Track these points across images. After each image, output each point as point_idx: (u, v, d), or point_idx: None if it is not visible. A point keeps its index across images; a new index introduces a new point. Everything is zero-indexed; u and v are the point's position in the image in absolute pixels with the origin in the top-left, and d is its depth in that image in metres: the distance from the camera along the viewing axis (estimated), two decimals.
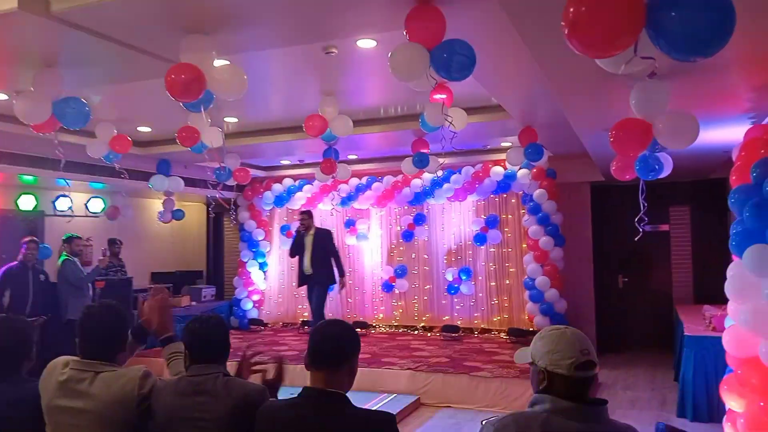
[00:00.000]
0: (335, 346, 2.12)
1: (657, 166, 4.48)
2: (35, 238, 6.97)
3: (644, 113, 3.58)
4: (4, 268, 6.48)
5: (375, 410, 2.10)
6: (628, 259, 9.27)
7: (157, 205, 9.71)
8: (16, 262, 6.56)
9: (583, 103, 4.66)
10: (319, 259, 7.57)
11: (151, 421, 2.32)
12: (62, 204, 8.29)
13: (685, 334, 6.09)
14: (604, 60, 2.26)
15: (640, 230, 5.11)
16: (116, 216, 8.99)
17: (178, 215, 9.27)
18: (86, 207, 8.76)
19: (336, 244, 8.14)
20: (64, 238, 7.14)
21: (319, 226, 7.97)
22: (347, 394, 2.10)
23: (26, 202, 7.86)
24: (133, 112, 6.41)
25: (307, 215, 7.87)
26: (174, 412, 2.23)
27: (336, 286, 7.78)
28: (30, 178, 7.69)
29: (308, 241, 7.66)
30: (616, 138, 3.58)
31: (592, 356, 1.85)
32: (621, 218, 9.17)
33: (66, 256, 6.97)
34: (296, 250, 7.79)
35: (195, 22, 3.35)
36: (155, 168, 8.31)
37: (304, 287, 7.98)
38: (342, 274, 7.77)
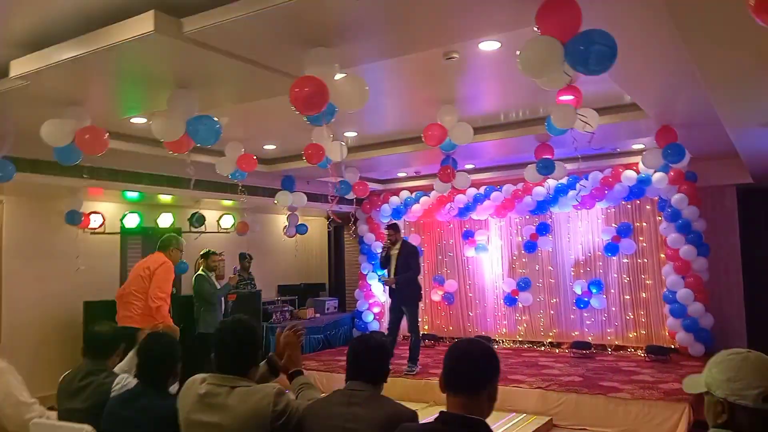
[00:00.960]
0: (475, 369, 1.96)
1: None
2: None
3: None
4: None
5: None
6: None
7: (282, 220, 10.04)
8: None
9: (737, 96, 4.16)
10: (400, 276, 7.35)
11: None
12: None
13: None
14: None
15: None
16: (245, 231, 9.39)
17: (301, 230, 9.52)
18: (218, 223, 9.23)
19: (420, 263, 7.77)
20: (201, 253, 7.49)
21: (407, 240, 7.71)
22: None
23: (165, 220, 8.40)
24: (259, 131, 6.63)
25: (393, 229, 7.67)
26: (325, 420, 2.27)
27: (387, 278, 7.42)
28: (167, 197, 8.23)
29: (394, 254, 7.51)
30: None
31: None
32: None
33: (201, 271, 7.30)
34: (384, 263, 7.65)
35: (317, 35, 3.35)
36: (279, 184, 8.57)
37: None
38: (400, 281, 7.30)
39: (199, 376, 2.49)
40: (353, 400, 2.28)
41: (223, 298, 7.55)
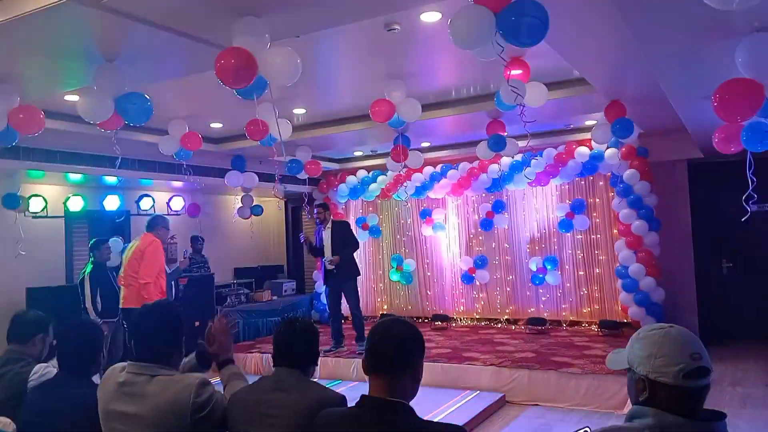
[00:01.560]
0: (397, 350, 1.88)
1: None
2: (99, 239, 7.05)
3: (754, 72, 3.08)
4: (88, 272, 6.61)
5: (444, 423, 1.84)
6: (733, 242, 8.44)
7: (236, 201, 9.84)
8: (92, 266, 6.66)
9: (679, 68, 4.13)
10: (341, 253, 7.30)
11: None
12: (146, 203, 8.53)
13: None
14: None
15: (748, 210, 4.56)
16: (197, 213, 9.16)
17: (256, 211, 9.35)
18: (168, 205, 8.99)
19: (355, 235, 7.80)
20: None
21: (335, 218, 7.68)
22: (412, 403, 1.87)
23: (111, 203, 8.12)
24: (205, 108, 6.41)
25: (323, 208, 7.60)
26: (250, 407, 2.17)
27: (330, 257, 7.26)
28: (113, 179, 7.94)
29: (326, 235, 7.42)
30: (722, 102, 3.10)
31: (705, 361, 1.51)
32: (723, 198, 8.38)
33: None
34: (318, 247, 7.48)
35: (247, 3, 3.17)
36: (230, 164, 8.37)
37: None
38: (341, 257, 7.24)
39: (119, 365, 2.36)
40: (279, 386, 2.19)
41: (173, 283, 7.37)
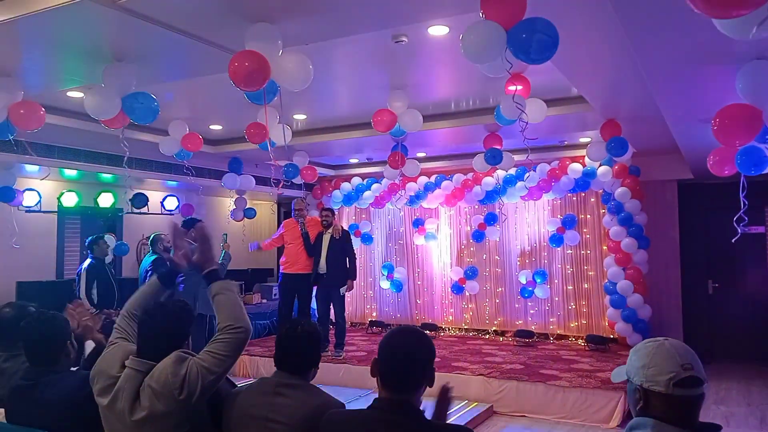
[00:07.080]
0: (414, 367, 1.89)
1: (762, 160, 4.00)
2: (96, 235, 7.03)
3: (753, 98, 3.18)
4: (86, 265, 6.60)
5: (454, 425, 1.88)
6: (719, 263, 8.59)
7: (230, 203, 9.84)
8: (91, 260, 6.66)
9: (679, 91, 4.23)
10: (336, 259, 7.37)
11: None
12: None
13: None
14: (729, 22, 1.91)
15: (739, 231, 4.66)
16: (191, 214, 9.15)
17: (249, 214, 9.36)
18: (162, 205, 8.97)
19: (354, 247, 7.83)
20: (151, 238, 7.15)
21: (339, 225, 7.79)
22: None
23: (105, 200, 8.09)
24: (206, 110, 6.45)
25: (329, 212, 7.70)
26: (247, 410, 2.16)
27: (343, 288, 7.46)
28: (109, 176, 7.92)
29: (326, 239, 7.47)
30: (721, 126, 3.19)
31: (696, 371, 1.57)
32: (711, 219, 8.58)
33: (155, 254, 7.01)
34: (314, 248, 7.54)
35: (260, 10, 3.23)
36: (226, 166, 8.38)
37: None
38: (352, 276, 7.47)
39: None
40: (278, 389, 2.17)
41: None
